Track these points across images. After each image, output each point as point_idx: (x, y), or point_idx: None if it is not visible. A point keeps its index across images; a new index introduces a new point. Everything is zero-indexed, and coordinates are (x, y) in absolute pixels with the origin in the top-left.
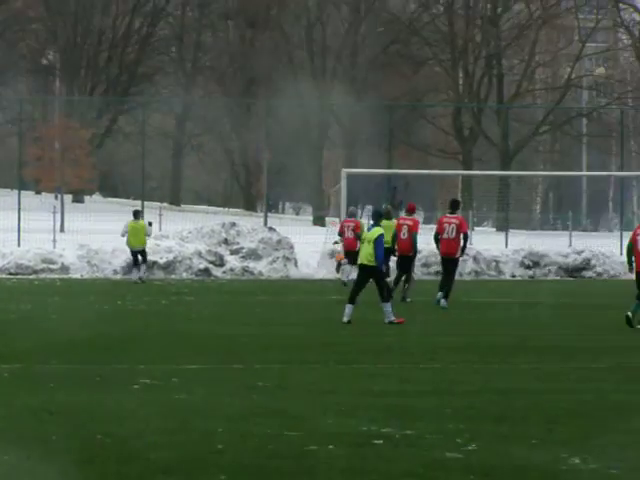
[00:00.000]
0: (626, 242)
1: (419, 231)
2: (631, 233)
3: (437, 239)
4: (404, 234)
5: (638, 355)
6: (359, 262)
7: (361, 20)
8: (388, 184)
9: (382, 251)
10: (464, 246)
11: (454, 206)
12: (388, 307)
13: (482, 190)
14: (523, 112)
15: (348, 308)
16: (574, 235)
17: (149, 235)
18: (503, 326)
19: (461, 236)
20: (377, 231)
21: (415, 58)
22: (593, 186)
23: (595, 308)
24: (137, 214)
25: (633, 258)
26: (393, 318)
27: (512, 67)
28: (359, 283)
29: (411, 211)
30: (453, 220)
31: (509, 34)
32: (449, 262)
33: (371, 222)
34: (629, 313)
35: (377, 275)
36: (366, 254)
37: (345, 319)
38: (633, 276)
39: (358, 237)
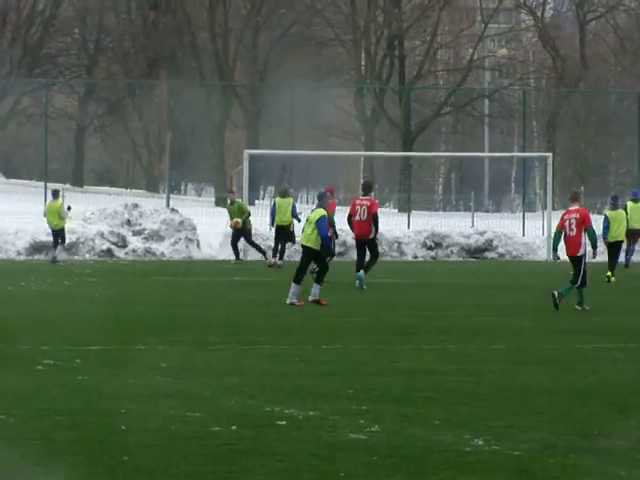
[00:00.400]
0: (529, 223)
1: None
2: (559, 219)
3: (350, 221)
4: None
5: (539, 336)
6: (301, 243)
7: (263, 1)
8: (290, 165)
9: (325, 231)
10: (376, 227)
11: (366, 188)
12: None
13: (384, 171)
14: (425, 93)
15: (294, 287)
16: (476, 216)
17: (63, 217)
18: (406, 307)
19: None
20: (319, 213)
21: (317, 39)
22: (495, 167)
23: (497, 289)
24: (55, 194)
25: (561, 244)
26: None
27: (414, 48)
28: (301, 263)
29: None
30: (364, 202)
31: (411, 15)
32: (363, 243)
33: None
34: (555, 292)
35: (315, 256)
36: (306, 235)
37: (288, 301)
38: (553, 259)
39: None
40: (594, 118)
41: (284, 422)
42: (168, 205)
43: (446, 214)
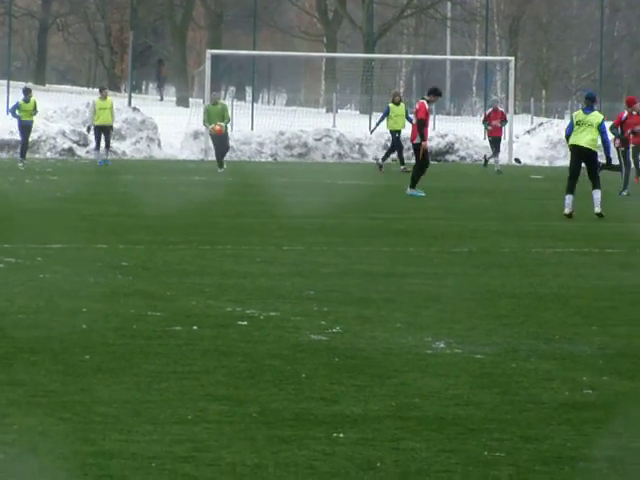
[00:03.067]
0: None
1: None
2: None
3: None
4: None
5: (501, 240)
6: (579, 144)
7: None
8: (252, 66)
9: (608, 135)
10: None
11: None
12: (598, 194)
13: (346, 73)
14: None
15: (568, 199)
16: (438, 119)
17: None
18: (367, 209)
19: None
20: (600, 116)
21: None
22: (457, 70)
23: (458, 192)
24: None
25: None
26: (599, 209)
27: None
28: (574, 169)
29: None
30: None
31: None
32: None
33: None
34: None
35: (593, 161)
36: (587, 138)
37: (567, 210)
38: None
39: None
40: (556, 22)
41: (245, 322)
42: (130, 104)
43: None
